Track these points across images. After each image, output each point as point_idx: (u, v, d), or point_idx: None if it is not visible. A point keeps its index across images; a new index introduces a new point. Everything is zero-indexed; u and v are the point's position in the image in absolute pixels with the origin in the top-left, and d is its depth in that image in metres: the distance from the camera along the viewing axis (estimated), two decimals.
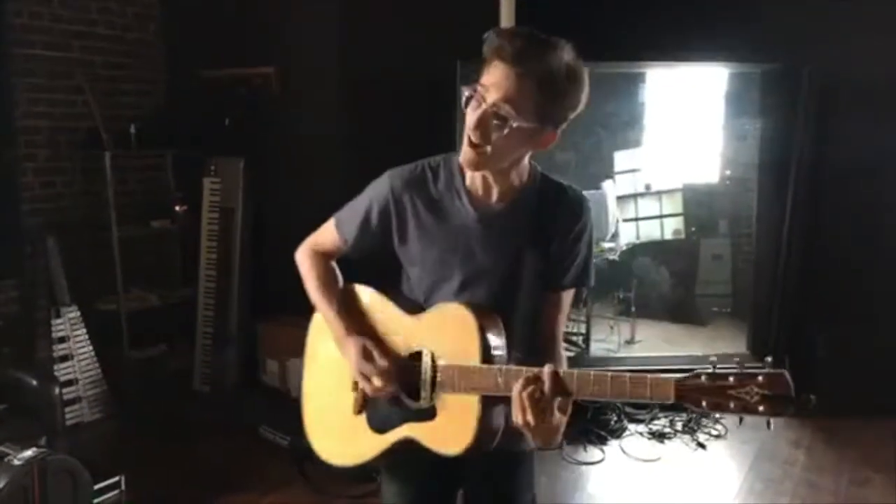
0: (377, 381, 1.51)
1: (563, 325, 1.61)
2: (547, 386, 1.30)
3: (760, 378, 1.17)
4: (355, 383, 1.60)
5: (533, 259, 1.51)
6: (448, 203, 1.53)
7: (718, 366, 1.21)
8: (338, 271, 1.70)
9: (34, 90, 4.10)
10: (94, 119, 4.15)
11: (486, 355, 1.42)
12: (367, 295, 1.65)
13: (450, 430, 1.46)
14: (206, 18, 4.45)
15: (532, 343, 1.55)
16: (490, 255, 1.51)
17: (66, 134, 4.26)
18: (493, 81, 1.34)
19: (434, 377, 1.48)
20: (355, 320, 1.60)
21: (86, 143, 4.24)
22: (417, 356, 1.52)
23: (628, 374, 1.26)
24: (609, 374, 1.28)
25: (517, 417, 1.33)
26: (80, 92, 4.21)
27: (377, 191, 1.58)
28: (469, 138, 1.38)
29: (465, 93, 1.37)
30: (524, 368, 1.36)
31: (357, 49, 3.98)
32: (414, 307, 1.57)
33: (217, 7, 4.41)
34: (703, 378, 1.21)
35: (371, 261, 1.64)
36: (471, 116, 1.37)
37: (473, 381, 1.41)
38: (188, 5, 4.56)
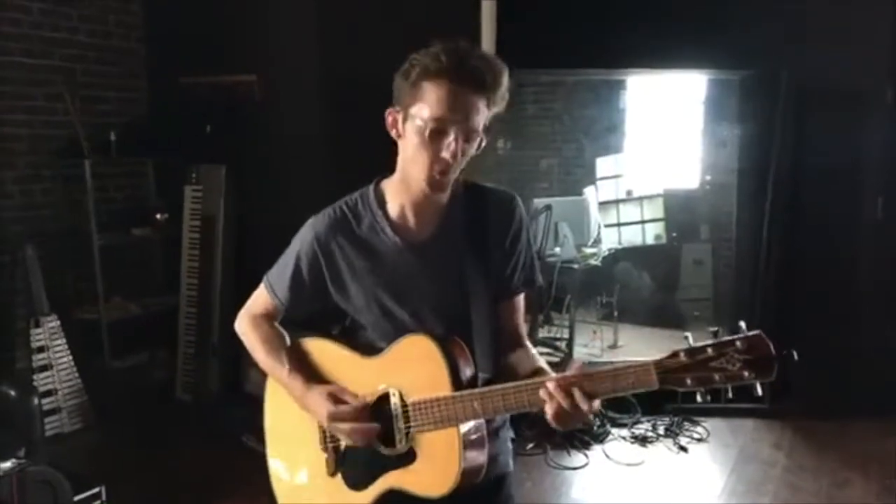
0: (352, 425, 1.43)
1: (525, 329, 1.56)
2: (577, 393, 1.24)
3: (738, 343, 1.15)
4: (324, 442, 1.52)
5: (477, 273, 1.45)
6: (375, 241, 1.47)
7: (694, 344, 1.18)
8: (283, 331, 1.61)
9: (13, 98, 4.07)
10: (75, 127, 4.12)
11: (457, 382, 1.37)
12: (317, 346, 1.56)
13: (433, 470, 1.39)
14: (187, 26, 4.43)
15: (494, 359, 1.49)
16: (432, 281, 1.46)
17: (46, 142, 4.23)
18: (459, 107, 1.32)
19: (406, 416, 1.41)
20: (312, 374, 1.52)
21: (66, 151, 4.21)
22: (385, 399, 1.44)
23: (604, 370, 1.23)
24: (586, 372, 1.26)
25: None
26: (61, 99, 4.18)
27: (303, 243, 1.51)
28: (444, 166, 1.35)
29: (430, 125, 1.32)
30: (510, 385, 1.32)
31: (338, 56, 3.99)
32: (370, 349, 1.50)
33: (199, 15, 4.39)
34: (682, 356, 1.18)
35: (320, 315, 1.57)
36: (447, 147, 1.33)
37: (449, 412, 1.35)
38: (170, 13, 4.55)
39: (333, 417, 1.44)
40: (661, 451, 3.82)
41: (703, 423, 4.02)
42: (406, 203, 1.46)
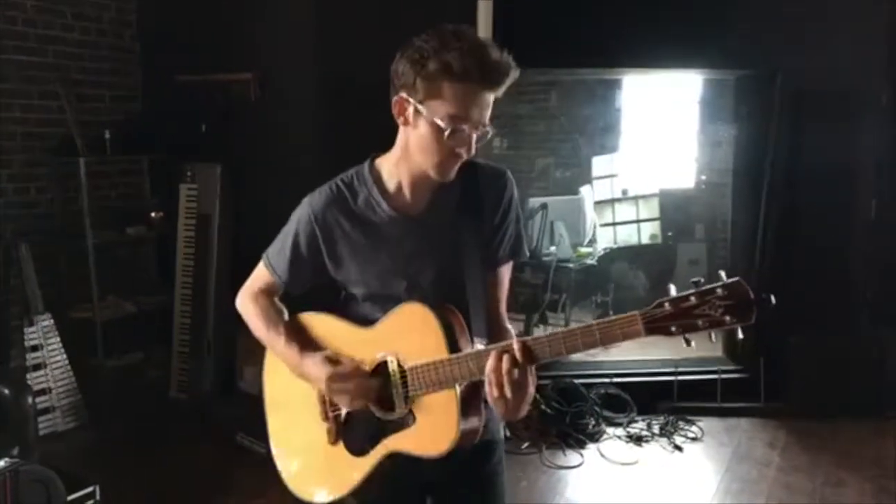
0: (351, 385, 1.47)
1: (505, 301, 1.59)
2: (519, 357, 1.31)
3: (720, 290, 1.19)
4: (325, 412, 1.57)
5: (470, 245, 1.50)
6: (371, 215, 1.51)
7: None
8: (282, 306, 1.66)
9: (8, 96, 4.05)
10: (69, 124, 4.10)
11: (453, 345, 1.41)
12: (315, 319, 1.61)
13: (433, 430, 1.44)
14: (183, 24, 4.42)
15: (489, 324, 1.52)
16: (428, 252, 1.50)
17: (41, 140, 4.21)
18: (476, 105, 1.36)
19: (404, 381, 1.46)
20: (309, 345, 1.56)
21: (60, 149, 4.19)
22: (383, 366, 1.49)
23: (595, 323, 1.27)
24: (577, 327, 1.30)
25: (493, 392, 1.33)
26: (55, 97, 4.17)
27: (300, 220, 1.55)
28: (459, 160, 1.42)
29: (449, 124, 1.35)
30: (493, 346, 1.36)
31: (335, 54, 3.99)
32: (365, 321, 1.54)
33: (194, 12, 4.38)
34: (666, 305, 1.22)
35: (314, 291, 1.59)
36: (463, 143, 1.39)
37: (447, 373, 1.40)
38: (165, 11, 4.53)
39: (332, 379, 1.47)
40: (656, 450, 3.83)
41: (698, 423, 4.03)
42: (404, 179, 1.49)
